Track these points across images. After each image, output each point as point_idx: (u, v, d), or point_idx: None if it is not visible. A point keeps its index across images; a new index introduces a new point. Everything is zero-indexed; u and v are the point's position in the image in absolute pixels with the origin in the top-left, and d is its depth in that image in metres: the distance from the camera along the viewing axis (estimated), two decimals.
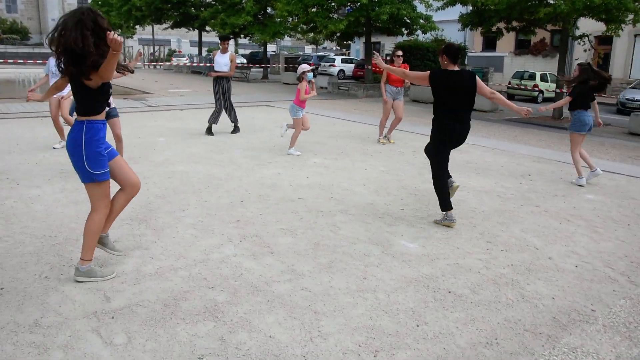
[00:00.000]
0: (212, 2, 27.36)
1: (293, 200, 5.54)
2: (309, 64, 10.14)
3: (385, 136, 9.48)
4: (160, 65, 34.00)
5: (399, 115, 9.31)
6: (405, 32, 18.50)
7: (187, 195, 5.58)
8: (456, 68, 4.81)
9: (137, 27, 33.54)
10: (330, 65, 28.43)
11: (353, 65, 28.19)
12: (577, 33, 13.76)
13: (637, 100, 16.50)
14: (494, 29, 14.85)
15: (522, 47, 24.68)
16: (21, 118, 11.00)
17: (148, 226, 4.59)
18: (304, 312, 3.20)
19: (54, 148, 7.82)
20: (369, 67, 20.05)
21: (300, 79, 7.89)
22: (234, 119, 9.67)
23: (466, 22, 14.40)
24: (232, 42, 33.74)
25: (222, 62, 9.15)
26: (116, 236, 4.29)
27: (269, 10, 24.12)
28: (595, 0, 10.76)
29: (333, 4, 17.93)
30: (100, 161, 3.30)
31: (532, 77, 20.51)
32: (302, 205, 5.40)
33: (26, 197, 5.27)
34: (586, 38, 13.07)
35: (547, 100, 20.65)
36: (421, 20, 17.19)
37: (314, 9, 18.10)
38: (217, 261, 3.90)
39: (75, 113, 3.41)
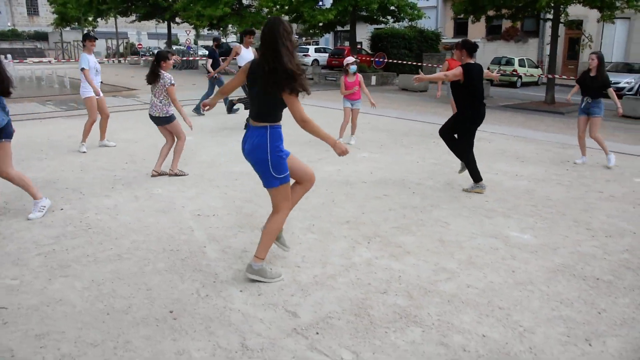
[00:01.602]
0: None
1: (379, 197, 5.58)
2: (354, 56, 10.08)
3: None
4: (127, 59, 32.67)
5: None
6: (392, 20, 18.62)
7: None
8: (473, 61, 5.51)
9: (99, 20, 32.08)
10: (304, 55, 28.29)
11: (327, 54, 28.16)
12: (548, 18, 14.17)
13: (615, 83, 17.31)
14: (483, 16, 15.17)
15: (494, 33, 25.36)
16: (22, 120, 10.42)
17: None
18: (491, 309, 3.28)
19: (83, 152, 7.49)
20: (355, 56, 20.07)
21: (345, 71, 7.89)
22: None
23: (460, 10, 14.65)
24: (192, 33, 32.97)
25: (248, 57, 8.93)
26: (242, 245, 4.22)
27: (244, 1, 23.67)
28: None
29: None
30: (284, 165, 3.34)
31: (509, 62, 21.16)
32: (392, 201, 5.44)
33: (104, 208, 5.06)
34: (575, 25, 13.59)
35: (525, 85, 21.40)
36: (408, 9, 17.34)
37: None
38: (365, 264, 3.90)
39: (251, 120, 3.36)
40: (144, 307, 3.18)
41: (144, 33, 38.94)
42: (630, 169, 7.14)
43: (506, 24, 22.87)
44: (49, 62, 29.19)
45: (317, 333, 2.97)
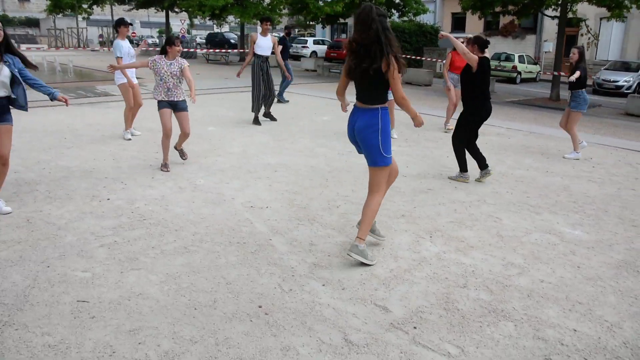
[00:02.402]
0: None
1: (425, 192, 5.56)
2: None
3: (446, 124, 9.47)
4: None
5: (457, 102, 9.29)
6: (397, 14, 18.59)
7: (327, 189, 5.45)
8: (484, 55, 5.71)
9: (94, 7, 31.42)
10: (302, 47, 28.10)
11: (325, 46, 28.02)
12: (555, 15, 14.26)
13: (614, 81, 17.57)
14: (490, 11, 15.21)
15: (492, 29, 25.47)
16: (32, 107, 10.16)
17: (334, 228, 4.47)
18: (571, 304, 3.29)
19: (127, 139, 7.39)
20: None
21: None
22: (269, 104, 9.18)
23: (467, 5, 14.66)
24: (187, 21, 32.55)
25: (265, 46, 8.64)
26: (308, 238, 4.16)
27: None
28: None
29: None
30: (390, 145, 3.59)
31: (508, 58, 21.27)
32: (439, 196, 5.43)
33: (151, 198, 4.97)
34: (583, 22, 13.72)
35: (524, 81, 21.57)
36: (414, 3, 17.32)
37: None
38: (435, 258, 3.88)
39: (358, 102, 3.62)
40: (230, 302, 3.12)
41: (137, 21, 38.28)
42: None
43: (504, 19, 22.97)
44: (42, 49, 28.56)
45: (415, 327, 2.95)
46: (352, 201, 5.09)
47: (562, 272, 3.76)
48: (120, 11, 36.21)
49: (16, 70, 4.27)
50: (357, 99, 3.64)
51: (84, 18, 33.73)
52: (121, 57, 7.06)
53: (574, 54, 7.35)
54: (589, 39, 14.49)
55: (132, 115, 7.53)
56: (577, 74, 7.13)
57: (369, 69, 3.38)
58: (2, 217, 4.36)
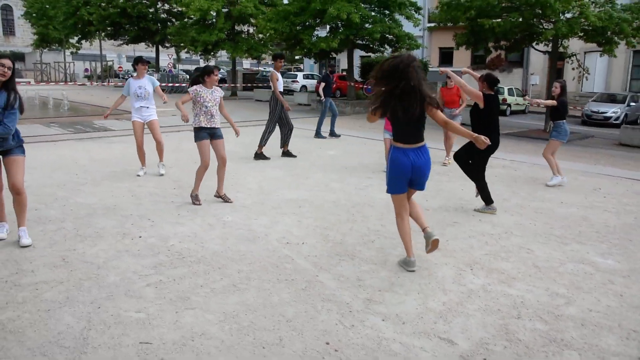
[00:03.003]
0: (169, 18, 26.46)
1: (452, 225, 5.62)
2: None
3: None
4: (110, 83, 32.12)
5: (449, 135, 9.42)
6: (390, 50, 19.03)
7: (356, 224, 5.47)
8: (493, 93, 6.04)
9: (83, 42, 31.54)
10: (292, 81, 28.46)
11: (315, 81, 28.41)
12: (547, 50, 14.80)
13: (602, 113, 18.12)
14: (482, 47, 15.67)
15: (479, 62, 26.17)
16: (33, 143, 10.09)
17: (375, 263, 4.48)
18: (627, 332, 3.32)
19: (138, 175, 7.37)
20: (352, 83, 20.37)
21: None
22: (286, 141, 9.37)
23: (462, 41, 15.10)
24: (174, 56, 32.84)
25: (282, 82, 9.00)
26: (354, 274, 4.16)
27: (236, 27, 23.77)
28: (596, 23, 11.77)
29: (318, 20, 18.05)
30: None
31: (498, 91, 21.76)
32: (466, 229, 5.49)
33: (183, 235, 4.93)
34: (574, 57, 14.21)
35: (514, 113, 22.09)
36: (407, 39, 17.78)
37: (299, 27, 18.16)
38: (482, 291, 3.90)
39: (410, 144, 4.06)
40: (296, 340, 3.09)
41: (123, 56, 38.52)
42: None
43: (492, 54, 23.63)
44: (28, 83, 28.44)
45: (485, 359, 2.95)
46: (385, 235, 5.11)
47: (607, 301, 3.81)
48: (108, 45, 36.49)
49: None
50: (405, 140, 4.05)
51: (72, 53, 33.79)
52: (125, 96, 7.27)
53: (556, 88, 7.76)
54: (580, 72, 14.97)
55: (140, 154, 7.53)
56: (549, 102, 7.79)
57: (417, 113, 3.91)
58: (37, 257, 4.29)
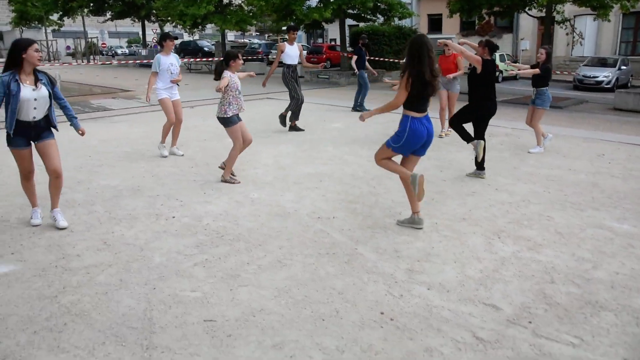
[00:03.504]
0: None
1: (471, 195, 5.80)
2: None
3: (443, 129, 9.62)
4: (95, 59, 31.45)
5: (450, 107, 9.38)
6: (383, 18, 18.91)
7: (380, 196, 5.61)
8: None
9: (65, 18, 30.74)
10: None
11: (305, 52, 28.15)
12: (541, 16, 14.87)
13: (594, 77, 18.33)
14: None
15: (469, 29, 26.12)
16: None
17: (408, 234, 4.65)
18: None
19: (164, 156, 7.38)
20: (344, 54, 20.26)
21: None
22: (297, 116, 9.38)
23: (455, 9, 15.08)
24: (158, 31, 32.20)
25: (294, 54, 8.82)
26: (391, 246, 4.33)
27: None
28: None
29: None
30: None
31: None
32: (486, 198, 5.67)
33: (215, 214, 5.05)
34: (568, 22, 14.31)
35: (506, 79, 22.20)
36: (399, 7, 17.68)
37: None
38: (514, 258, 4.10)
39: (421, 112, 4.42)
40: (352, 311, 3.26)
41: (105, 32, 37.67)
42: None
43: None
44: None
45: (530, 322, 3.16)
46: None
47: (631, 264, 4.04)
48: (94, 22, 35.67)
49: (49, 88, 4.36)
50: (421, 110, 4.39)
51: (54, 30, 32.94)
52: (157, 72, 7.03)
53: (542, 54, 7.88)
54: (574, 37, 15.09)
55: (167, 131, 7.45)
56: (532, 71, 7.84)
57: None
58: (78, 241, 4.38)
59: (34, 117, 4.35)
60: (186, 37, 49.45)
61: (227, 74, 5.80)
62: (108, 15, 28.78)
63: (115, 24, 39.89)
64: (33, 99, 4.26)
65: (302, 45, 8.82)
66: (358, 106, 12.15)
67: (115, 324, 3.13)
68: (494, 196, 5.72)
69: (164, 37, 7.22)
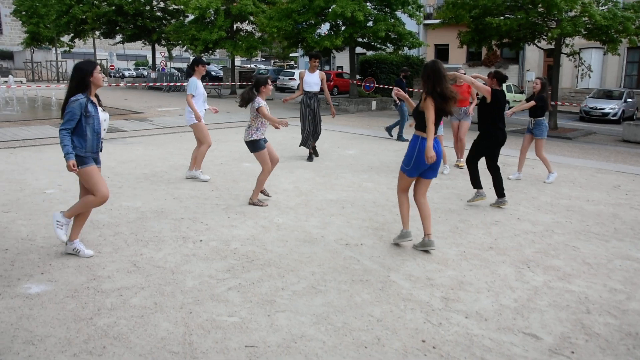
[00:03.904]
0: (165, 16, 26.29)
1: (494, 224, 5.81)
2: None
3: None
4: (104, 81, 31.73)
5: (461, 136, 9.34)
6: (393, 47, 19.21)
7: (412, 229, 5.63)
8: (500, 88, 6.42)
9: (77, 40, 31.19)
10: (290, 79, 28.51)
11: None
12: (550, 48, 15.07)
13: (600, 109, 18.52)
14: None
15: (475, 59, 26.50)
16: (51, 145, 10.06)
17: (438, 262, 4.65)
18: None
19: (205, 179, 7.41)
20: (354, 81, 20.51)
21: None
22: (312, 144, 9.17)
23: (466, 40, 15.33)
24: (166, 54, 32.62)
25: (313, 82, 8.81)
26: (422, 274, 4.33)
27: (235, 25, 23.75)
28: (601, 22, 12.06)
29: (320, 19, 18.15)
30: None
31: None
32: (509, 228, 5.68)
33: (242, 238, 5.05)
34: (577, 55, 14.53)
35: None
36: (410, 37, 17.97)
37: (303, 25, 18.24)
38: (546, 287, 4.09)
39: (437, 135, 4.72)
40: (393, 338, 3.24)
41: (114, 54, 38.16)
42: None
43: (486, 51, 23.95)
44: (20, 82, 28.13)
45: (573, 352, 3.15)
46: (437, 235, 5.28)
47: None
48: (103, 44, 36.19)
49: None
50: (435, 132, 4.59)
51: (65, 51, 33.38)
52: (194, 95, 7.08)
53: (537, 84, 7.98)
54: (582, 70, 15.29)
55: (203, 156, 7.45)
56: (528, 105, 7.90)
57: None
58: (107, 263, 4.38)
59: (102, 138, 4.39)
60: None
61: (262, 102, 5.92)
62: (119, 38, 29.22)
63: (124, 47, 40.42)
64: (103, 120, 4.33)
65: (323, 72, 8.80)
66: (399, 136, 12.09)
67: (156, 348, 3.11)
68: (517, 225, 5.73)
69: (196, 62, 7.24)
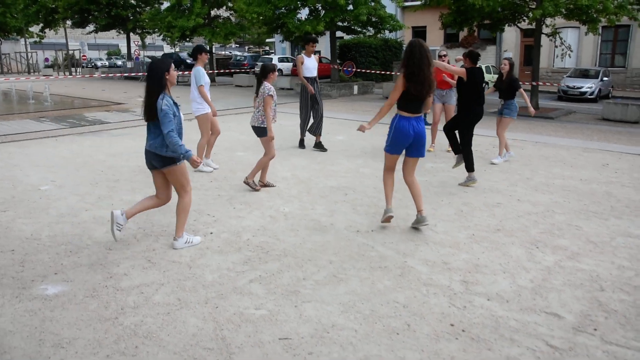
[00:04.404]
0: (139, 4, 25.63)
1: (497, 206, 5.91)
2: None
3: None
4: (76, 71, 30.92)
5: (447, 119, 9.36)
6: (374, 31, 19.15)
7: (409, 209, 5.68)
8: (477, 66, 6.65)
9: (47, 30, 30.21)
10: None
11: (291, 64, 28.29)
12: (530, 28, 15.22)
13: (578, 88, 18.87)
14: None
15: (452, 40, 26.63)
16: (34, 139, 9.84)
17: (450, 245, 4.72)
18: None
19: (214, 168, 7.42)
20: (335, 66, 20.42)
21: None
22: (319, 131, 8.92)
23: (448, 21, 15.39)
24: (139, 42, 31.99)
25: (312, 66, 8.58)
26: (439, 258, 4.40)
27: (212, 12, 23.33)
28: (582, 2, 12.24)
29: (299, 3, 17.97)
30: None
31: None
32: (512, 209, 5.79)
33: (252, 229, 5.04)
34: (557, 35, 14.73)
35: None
36: (391, 20, 17.94)
37: (283, 10, 18.03)
38: (558, 267, 4.21)
39: (413, 113, 4.78)
40: (423, 324, 3.30)
41: (85, 44, 37.14)
42: None
43: (464, 32, 24.08)
44: None
45: (595, 329, 3.25)
46: (443, 219, 5.37)
47: None
48: (73, 34, 35.16)
49: None
50: (412, 111, 4.70)
51: (35, 42, 32.35)
52: (203, 85, 6.93)
53: (505, 65, 8.01)
54: (563, 50, 15.53)
55: (210, 145, 7.41)
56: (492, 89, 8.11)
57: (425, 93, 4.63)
58: (120, 259, 4.33)
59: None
60: (167, 49, 49.23)
61: (272, 89, 5.98)
62: (92, 27, 28.42)
63: (95, 36, 39.41)
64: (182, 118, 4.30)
65: (287, 57, 8.57)
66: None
67: (189, 345, 3.10)
68: (519, 207, 5.85)
69: (199, 50, 7.03)
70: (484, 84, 6.87)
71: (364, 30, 19.43)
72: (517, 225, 5.23)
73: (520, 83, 8.20)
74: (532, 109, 8.38)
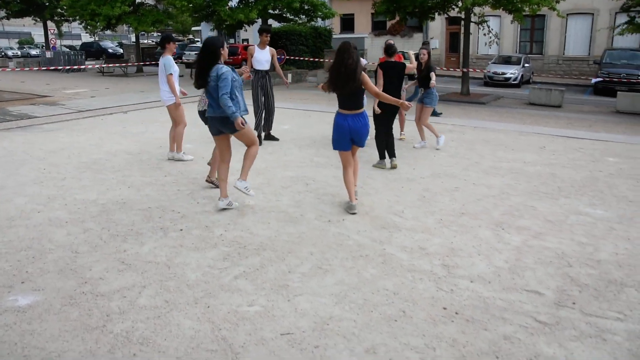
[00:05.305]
0: None
1: (454, 190, 6.15)
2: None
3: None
4: None
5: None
6: (305, 19, 19.07)
7: (375, 196, 5.77)
8: (391, 59, 6.85)
9: None
10: (196, 54, 27.34)
11: None
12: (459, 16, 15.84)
13: (502, 74, 19.89)
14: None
15: (380, 28, 27.10)
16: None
17: (422, 231, 4.85)
18: None
19: (189, 159, 7.33)
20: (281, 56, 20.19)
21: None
22: (269, 125, 8.76)
23: (382, 10, 15.65)
24: (55, 31, 30.05)
25: (264, 59, 8.20)
26: (416, 244, 4.53)
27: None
28: None
29: None
30: None
31: (404, 56, 22.85)
32: (468, 194, 6.05)
33: (223, 224, 4.94)
34: (485, 24, 15.41)
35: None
36: (323, 8, 17.96)
37: None
38: (526, 247, 4.46)
39: (350, 110, 5.08)
40: (417, 309, 3.40)
41: None
42: (598, 151, 8.56)
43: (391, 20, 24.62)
44: None
45: (574, 303, 3.51)
46: (408, 205, 5.52)
47: (622, 244, 4.55)
48: None
49: None
50: (344, 107, 5.04)
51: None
52: (172, 74, 6.87)
53: (424, 55, 8.28)
54: (490, 37, 16.27)
55: (182, 136, 7.30)
56: (433, 78, 8.07)
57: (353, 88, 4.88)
58: (92, 263, 4.11)
59: None
60: (85, 38, 46.47)
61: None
62: (2, 13, 26.18)
63: (2, 24, 36.43)
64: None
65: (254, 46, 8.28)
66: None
67: (190, 348, 3.01)
68: (476, 190, 6.12)
69: (167, 39, 6.97)
70: (403, 78, 6.95)
71: (296, 18, 19.33)
72: (479, 208, 5.48)
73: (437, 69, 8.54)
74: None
